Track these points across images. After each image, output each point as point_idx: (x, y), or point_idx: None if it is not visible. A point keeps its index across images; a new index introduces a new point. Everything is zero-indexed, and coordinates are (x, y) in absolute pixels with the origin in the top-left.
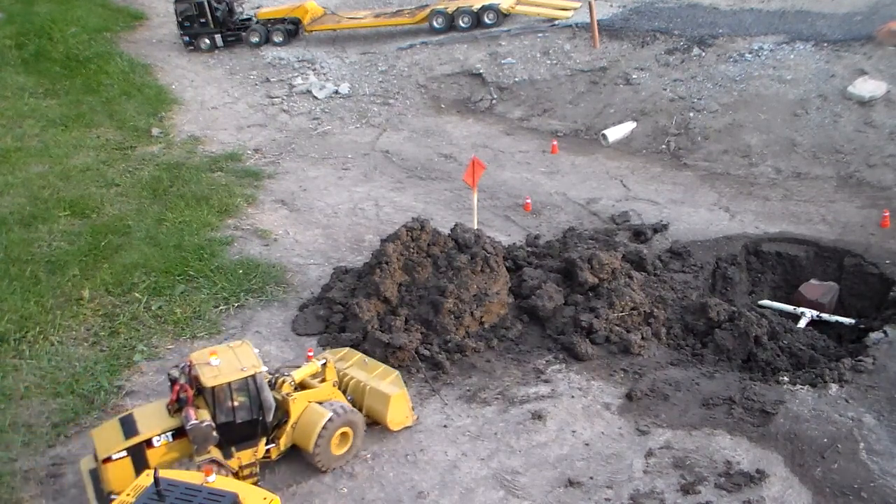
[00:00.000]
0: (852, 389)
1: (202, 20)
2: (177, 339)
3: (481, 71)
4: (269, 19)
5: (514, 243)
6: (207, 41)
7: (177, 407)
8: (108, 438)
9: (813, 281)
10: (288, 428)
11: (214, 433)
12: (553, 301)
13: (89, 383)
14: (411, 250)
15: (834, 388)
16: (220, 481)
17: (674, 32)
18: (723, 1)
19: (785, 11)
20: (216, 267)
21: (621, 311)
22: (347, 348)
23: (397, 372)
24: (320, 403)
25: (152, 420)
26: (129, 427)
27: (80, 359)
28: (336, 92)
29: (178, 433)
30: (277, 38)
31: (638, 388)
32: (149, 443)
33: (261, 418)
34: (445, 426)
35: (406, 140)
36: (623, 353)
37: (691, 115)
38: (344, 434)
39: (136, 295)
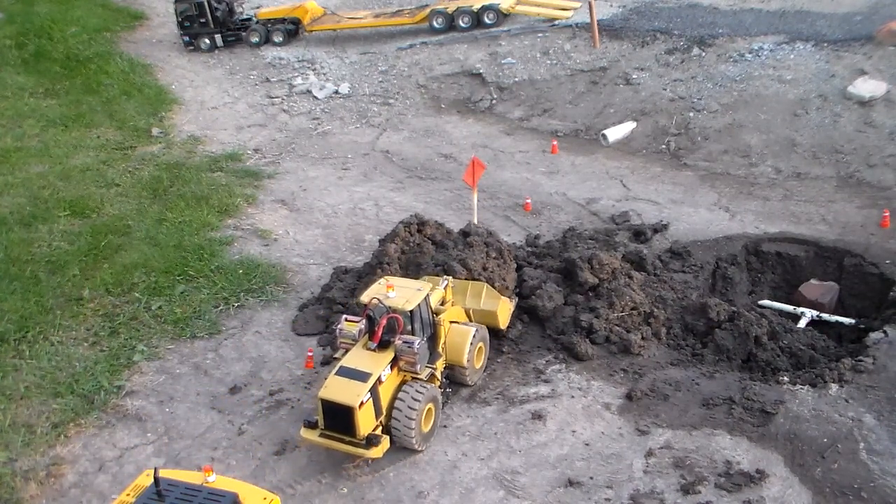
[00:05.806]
0: (852, 389)
1: (202, 20)
2: (177, 339)
3: (481, 71)
4: (269, 19)
5: (514, 243)
6: (207, 41)
7: (380, 343)
8: (345, 391)
9: (813, 281)
10: (439, 349)
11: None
12: (553, 301)
13: (89, 383)
14: (412, 246)
15: (834, 388)
16: (220, 481)
17: (674, 32)
18: (723, 1)
19: (785, 11)
20: (216, 267)
21: (621, 311)
22: (428, 277)
23: (485, 284)
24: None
25: (367, 361)
26: (356, 374)
27: (80, 359)
28: (336, 92)
29: (392, 363)
30: (277, 38)
31: (638, 388)
32: (379, 379)
33: (434, 333)
34: (445, 426)
35: (406, 140)
36: (623, 353)
37: (691, 115)
38: (480, 348)
39: (136, 295)
